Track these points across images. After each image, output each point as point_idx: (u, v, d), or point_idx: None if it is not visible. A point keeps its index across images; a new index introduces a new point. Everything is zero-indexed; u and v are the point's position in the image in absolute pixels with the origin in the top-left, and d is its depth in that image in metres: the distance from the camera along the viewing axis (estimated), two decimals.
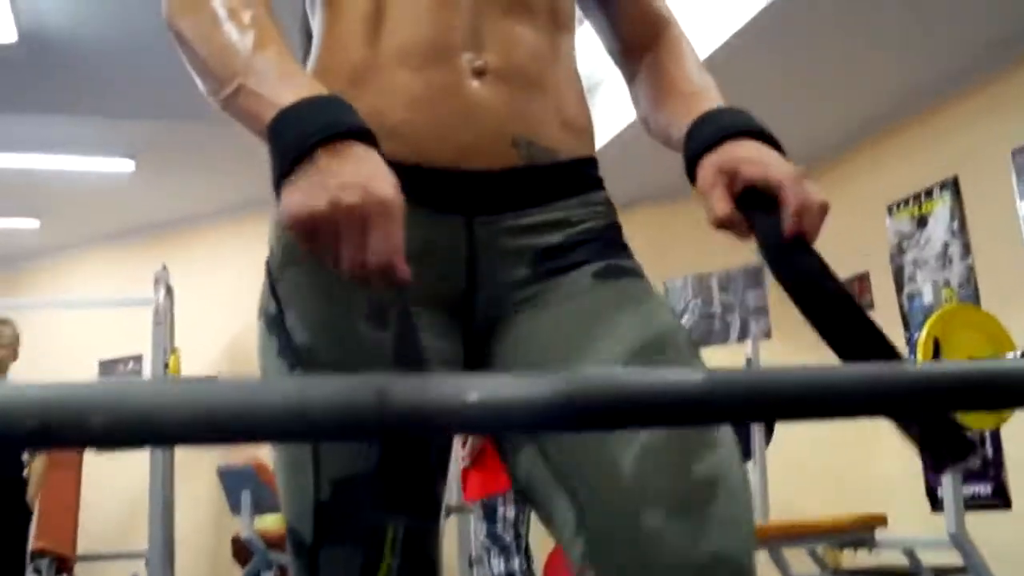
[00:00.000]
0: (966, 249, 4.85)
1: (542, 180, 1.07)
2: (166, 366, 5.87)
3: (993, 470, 4.62)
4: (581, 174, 1.12)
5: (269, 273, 1.04)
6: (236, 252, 6.87)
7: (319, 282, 0.99)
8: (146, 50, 4.54)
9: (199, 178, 6.49)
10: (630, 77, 1.22)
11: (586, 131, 1.15)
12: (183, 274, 5.89)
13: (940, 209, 4.98)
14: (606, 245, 1.08)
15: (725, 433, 0.94)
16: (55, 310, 6.98)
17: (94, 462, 6.48)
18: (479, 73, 1.04)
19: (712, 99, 1.07)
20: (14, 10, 4.20)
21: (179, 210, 7.03)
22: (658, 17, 1.21)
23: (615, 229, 1.11)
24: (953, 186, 4.92)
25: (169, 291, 5.63)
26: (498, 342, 1.06)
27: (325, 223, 0.81)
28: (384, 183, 0.83)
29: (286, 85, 0.89)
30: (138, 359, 7.13)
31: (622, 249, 1.10)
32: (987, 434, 4.49)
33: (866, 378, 0.59)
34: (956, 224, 4.90)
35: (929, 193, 5.03)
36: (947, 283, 4.83)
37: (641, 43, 1.19)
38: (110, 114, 5.32)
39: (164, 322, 5.63)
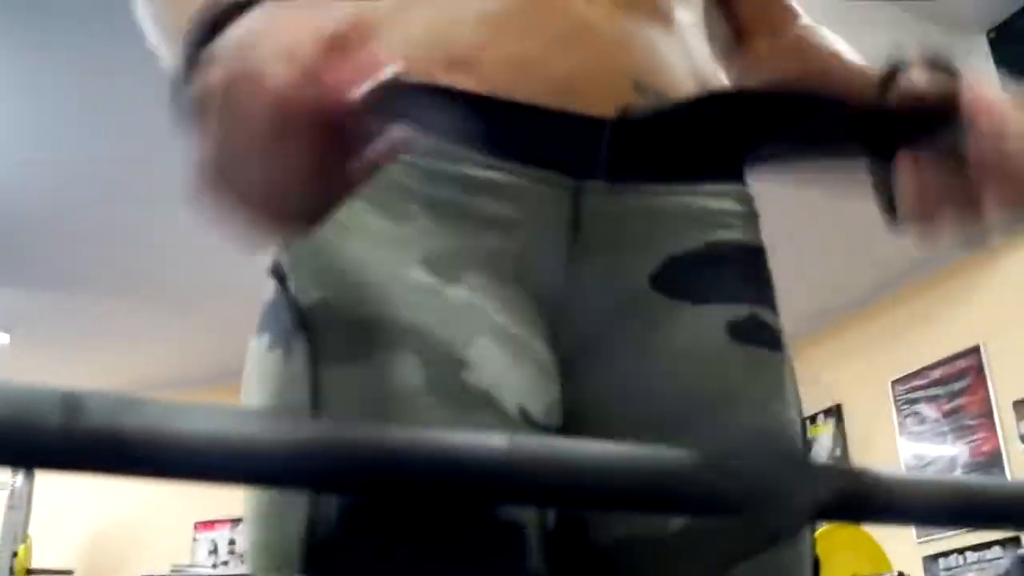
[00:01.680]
0: None
1: (680, 145, 0.76)
2: (15, 555, 5.51)
3: None
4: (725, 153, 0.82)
5: (275, 256, 0.71)
6: None
7: (349, 229, 0.68)
8: (24, 215, 4.47)
9: (79, 355, 6.27)
10: (741, 72, 0.96)
11: None
12: None
13: (823, 435, 5.05)
14: (755, 278, 0.79)
15: None
16: None
17: None
18: None
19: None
20: None
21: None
22: (787, 9, 0.98)
23: (763, 254, 0.82)
24: (836, 413, 5.00)
25: (29, 475, 5.34)
26: (584, 370, 0.74)
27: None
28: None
29: None
30: None
31: (767, 287, 0.80)
32: None
33: (706, 466, 0.52)
34: (839, 450, 4.95)
35: (813, 419, 5.09)
36: None
37: (761, 26, 0.96)
38: None
39: (20, 507, 5.32)
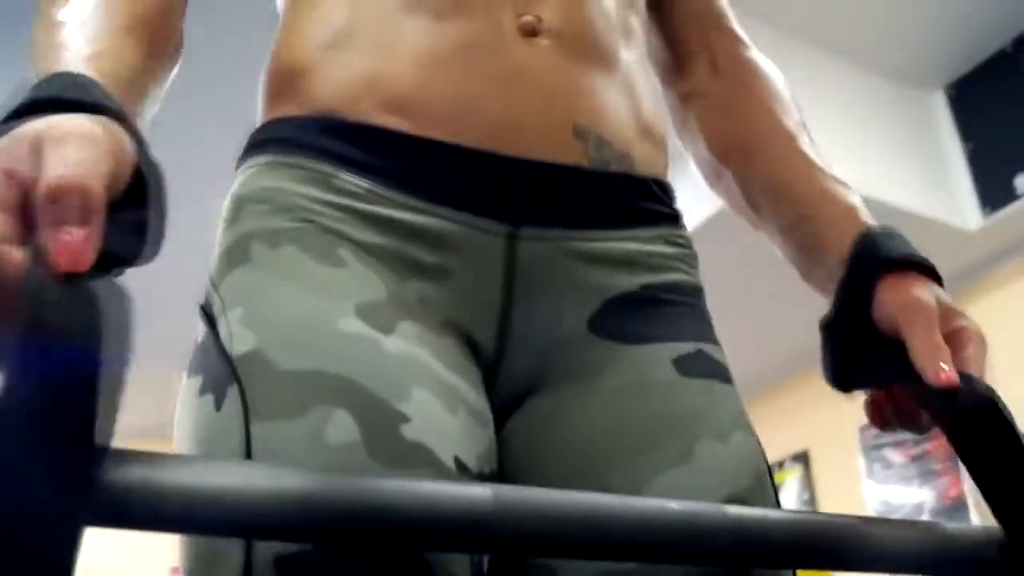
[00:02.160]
0: None
1: (616, 192, 0.77)
2: None
3: None
4: (663, 200, 0.81)
5: (206, 296, 0.70)
6: None
7: (280, 273, 0.67)
8: None
9: None
10: (682, 98, 0.96)
11: (664, 145, 0.85)
12: None
13: (791, 480, 5.06)
14: (695, 316, 0.79)
15: None
16: None
17: None
18: (529, 32, 0.75)
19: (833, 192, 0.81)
20: None
21: None
22: (729, 32, 0.96)
23: (701, 294, 0.82)
24: (804, 459, 5.02)
25: None
26: (523, 418, 0.73)
27: None
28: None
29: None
30: None
31: (707, 325, 0.80)
32: None
33: (687, 517, 0.54)
34: (807, 495, 4.96)
35: (781, 464, 5.11)
36: None
37: (701, 52, 0.94)
38: None
39: None
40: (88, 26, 0.65)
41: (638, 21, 0.88)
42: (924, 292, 0.71)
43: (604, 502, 0.51)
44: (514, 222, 0.72)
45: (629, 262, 0.76)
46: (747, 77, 0.93)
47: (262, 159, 0.74)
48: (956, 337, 0.70)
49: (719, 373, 0.76)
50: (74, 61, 0.61)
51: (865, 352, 0.73)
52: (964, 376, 0.66)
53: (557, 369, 0.73)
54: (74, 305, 0.42)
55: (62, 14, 0.67)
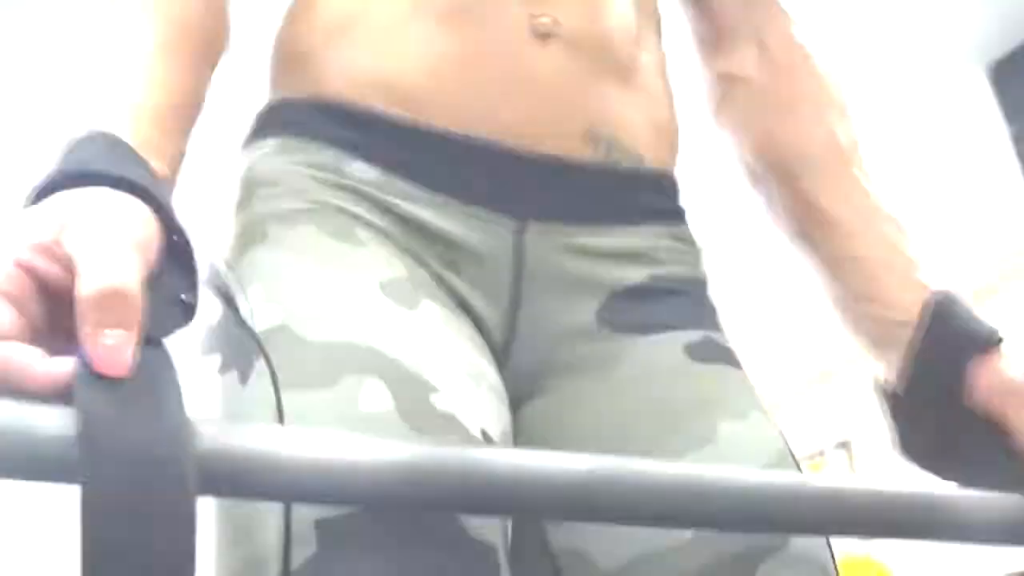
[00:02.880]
0: None
1: (623, 188, 0.77)
2: None
3: None
4: (670, 195, 0.82)
5: (217, 273, 0.69)
6: None
7: (300, 250, 0.67)
8: None
9: None
10: (721, 77, 0.91)
11: (676, 144, 0.84)
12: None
13: (834, 470, 5.03)
14: (701, 307, 0.79)
15: None
16: None
17: None
18: (543, 35, 0.74)
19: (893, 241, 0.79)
20: None
21: None
22: (777, 8, 0.90)
23: (707, 286, 0.81)
24: (846, 448, 4.99)
25: None
26: (535, 411, 0.74)
27: None
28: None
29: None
30: None
31: (716, 316, 0.80)
32: None
33: (771, 488, 0.55)
34: None
35: (822, 453, 5.08)
36: None
37: (746, 29, 0.88)
38: None
39: None
40: (131, 47, 0.63)
41: (653, 20, 0.85)
42: (1016, 373, 0.71)
43: (689, 472, 0.53)
44: (522, 217, 0.73)
45: (634, 255, 0.77)
46: (799, 65, 0.88)
47: (271, 141, 0.74)
48: None
49: (729, 358, 0.76)
50: (111, 108, 0.59)
51: (952, 434, 0.73)
52: None
53: (566, 362, 0.74)
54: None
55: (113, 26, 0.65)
